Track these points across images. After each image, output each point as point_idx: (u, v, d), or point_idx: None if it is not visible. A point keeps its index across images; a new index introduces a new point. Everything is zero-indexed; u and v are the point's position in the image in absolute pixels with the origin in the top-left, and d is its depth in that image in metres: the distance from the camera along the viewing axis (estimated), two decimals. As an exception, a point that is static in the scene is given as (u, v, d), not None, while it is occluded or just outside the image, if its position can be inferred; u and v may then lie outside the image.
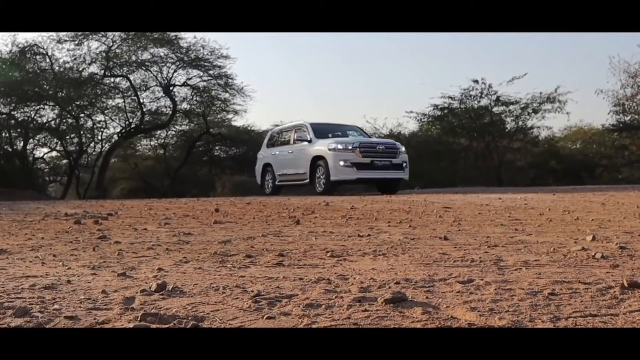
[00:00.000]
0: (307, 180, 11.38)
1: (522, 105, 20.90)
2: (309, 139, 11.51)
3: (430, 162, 19.12)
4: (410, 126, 28.04)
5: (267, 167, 13.03)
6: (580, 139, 23.28)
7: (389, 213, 4.99)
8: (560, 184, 16.70)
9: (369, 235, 3.26)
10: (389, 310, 1.44)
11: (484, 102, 21.17)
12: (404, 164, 11.22)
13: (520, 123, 21.46)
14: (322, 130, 11.95)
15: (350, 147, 10.73)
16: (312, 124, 12.02)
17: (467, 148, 22.07)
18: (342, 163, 10.57)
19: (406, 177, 11.45)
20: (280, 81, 31.51)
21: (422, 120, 21.36)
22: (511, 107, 21.13)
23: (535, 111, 20.87)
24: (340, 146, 10.82)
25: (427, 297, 1.59)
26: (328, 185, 10.85)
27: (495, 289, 1.67)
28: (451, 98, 21.22)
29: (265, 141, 13.79)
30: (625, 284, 1.67)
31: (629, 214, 4.20)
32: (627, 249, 2.43)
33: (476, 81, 20.74)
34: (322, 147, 11.10)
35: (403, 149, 11.54)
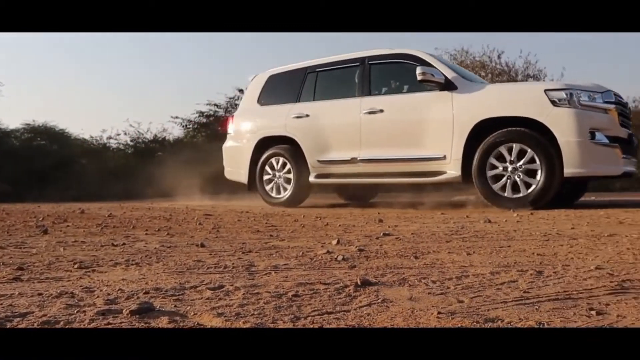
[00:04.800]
0: (457, 175, 5.50)
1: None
2: (442, 79, 5.62)
3: (196, 169, 19.05)
4: (176, 132, 27.66)
5: (265, 146, 7.01)
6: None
7: (148, 221, 4.85)
8: (319, 192, 17.87)
9: (123, 244, 3.13)
10: (134, 322, 1.40)
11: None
12: None
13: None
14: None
15: (602, 103, 5.12)
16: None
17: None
18: (597, 138, 4.98)
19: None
20: (36, 75, 28.63)
21: (188, 126, 21.21)
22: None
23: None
24: (584, 97, 5.06)
25: (175, 306, 1.58)
26: (548, 187, 5.04)
27: (244, 294, 1.73)
28: (217, 106, 21.44)
29: (256, 94, 7.33)
30: (359, 283, 1.86)
31: (371, 219, 4.67)
32: (364, 250, 2.69)
33: (241, 90, 21.25)
34: (502, 99, 5.41)
35: None
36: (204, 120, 21.52)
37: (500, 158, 5.29)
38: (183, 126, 20.93)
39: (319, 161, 6.50)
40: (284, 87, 7.12)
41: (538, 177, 5.08)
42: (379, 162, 6.05)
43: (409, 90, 6.05)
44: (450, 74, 5.67)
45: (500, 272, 2.05)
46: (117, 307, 1.55)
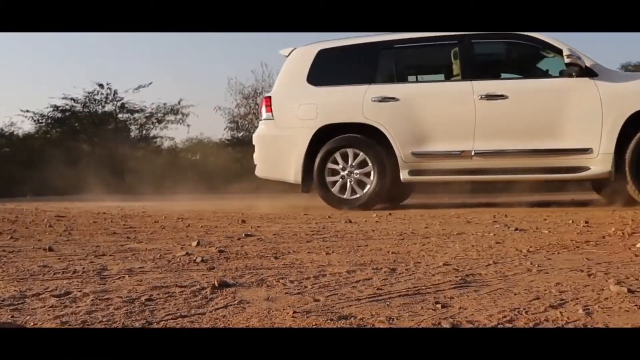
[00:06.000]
0: (606, 171, 4.97)
1: (147, 114, 21.23)
2: (584, 65, 5.08)
3: (47, 167, 17.83)
4: (26, 127, 25.66)
5: (325, 135, 5.64)
6: (200, 151, 24.81)
7: (-10, 223, 4.44)
8: (181, 192, 17.43)
9: (-43, 249, 2.83)
10: (-39, 335, 1.27)
11: (109, 107, 20.79)
12: None
13: (144, 132, 21.73)
14: None
15: None
16: None
17: (89, 154, 21.31)
18: None
19: None
20: None
21: (40, 121, 19.78)
22: (136, 115, 21.25)
23: (160, 121, 21.44)
24: None
25: (12, 316, 1.45)
26: None
27: (93, 300, 1.63)
28: (74, 100, 20.22)
29: (304, 71, 5.89)
30: (216, 284, 1.82)
31: (234, 220, 4.63)
32: (225, 252, 2.66)
33: (101, 85, 20.22)
34: None
35: None
36: (59, 115, 20.23)
37: None
38: (35, 121, 19.51)
39: (414, 154, 5.40)
40: (345, 65, 5.96)
41: None
42: (502, 155, 5.24)
43: (532, 75, 5.60)
44: (587, 60, 5.15)
45: (356, 271, 2.11)
46: (-59, 319, 1.40)
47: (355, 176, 5.58)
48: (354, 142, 5.61)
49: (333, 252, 2.65)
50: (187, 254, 2.57)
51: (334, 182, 5.64)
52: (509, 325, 1.37)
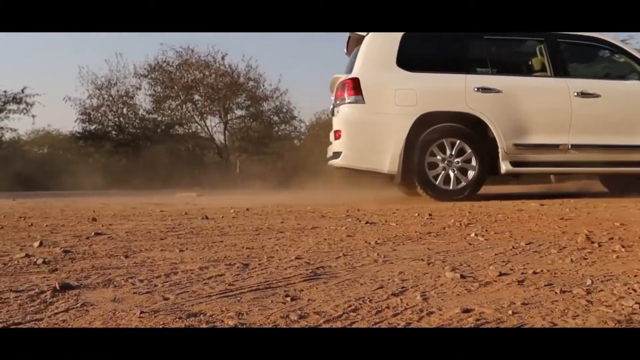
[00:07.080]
0: None
1: (-15, 104, 19.42)
2: None
3: None
4: None
5: (423, 124, 5.42)
6: (48, 144, 23.18)
7: None
8: (25, 189, 16.17)
9: None
10: None
11: (-62, 95, 18.74)
12: None
13: (-18, 122, 19.86)
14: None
15: None
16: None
17: None
18: None
19: None
20: None
21: None
22: (-28, 105, 19.35)
23: (0, 110, 19.73)
24: None
25: None
26: None
27: None
28: None
29: (392, 54, 5.60)
30: (58, 287, 1.72)
31: (83, 218, 4.38)
32: (71, 252, 2.51)
33: None
34: None
35: None
36: None
37: None
38: None
39: (516, 146, 5.51)
40: (435, 51, 5.82)
41: None
42: (595, 149, 5.58)
43: (616, 77, 6.07)
44: None
45: (209, 267, 2.10)
46: None
47: (457, 166, 5.54)
48: (457, 132, 5.54)
49: (187, 249, 2.61)
50: (27, 255, 2.39)
51: (435, 173, 5.55)
52: (353, 315, 1.43)
